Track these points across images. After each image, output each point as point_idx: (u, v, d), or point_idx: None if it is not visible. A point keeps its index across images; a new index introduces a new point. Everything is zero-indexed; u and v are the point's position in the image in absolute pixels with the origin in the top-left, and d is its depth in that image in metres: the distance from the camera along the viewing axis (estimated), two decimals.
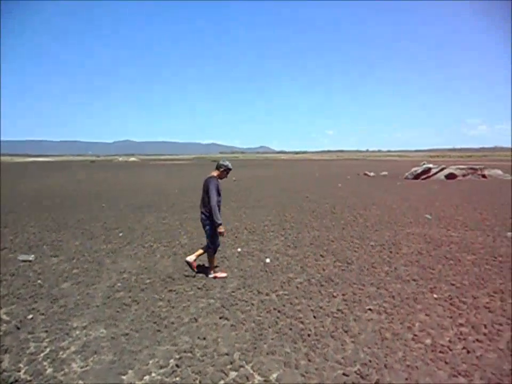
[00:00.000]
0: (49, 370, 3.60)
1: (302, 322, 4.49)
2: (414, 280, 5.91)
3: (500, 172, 28.86)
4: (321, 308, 4.90)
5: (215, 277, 6.17)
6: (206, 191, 5.99)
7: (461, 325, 4.39)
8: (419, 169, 28.61)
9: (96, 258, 7.37)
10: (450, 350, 3.83)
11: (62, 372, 3.57)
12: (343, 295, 5.32)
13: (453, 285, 5.67)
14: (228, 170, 6.22)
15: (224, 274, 6.27)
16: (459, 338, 4.08)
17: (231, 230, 9.84)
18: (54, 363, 3.72)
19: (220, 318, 4.68)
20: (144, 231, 9.84)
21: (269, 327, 4.39)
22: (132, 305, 5.11)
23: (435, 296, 5.25)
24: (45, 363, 3.73)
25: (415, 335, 4.14)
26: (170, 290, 5.62)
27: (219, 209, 5.96)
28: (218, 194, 5.98)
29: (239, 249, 7.88)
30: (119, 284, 5.94)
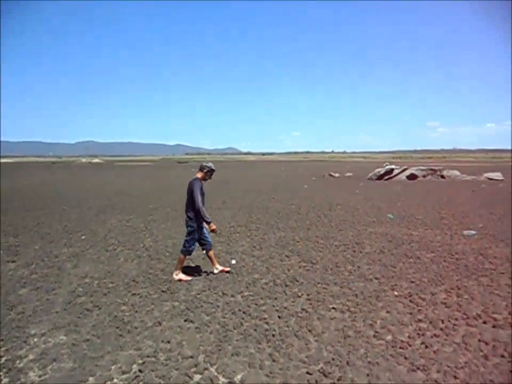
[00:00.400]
0: (5, 381, 3.45)
1: (266, 323, 4.52)
2: (376, 278, 6.06)
3: (457, 172, 30.03)
4: (285, 308, 4.94)
5: (179, 280, 6.11)
6: (190, 194, 6.05)
7: (420, 320, 4.54)
8: (382, 170, 29.36)
9: (57, 263, 7.14)
10: (410, 345, 3.95)
11: (19, 382, 3.43)
12: (308, 294, 5.39)
13: (413, 282, 5.86)
14: (211, 171, 6.31)
15: (188, 278, 6.22)
16: (418, 333, 4.21)
17: None
18: (10, 373, 3.57)
19: (185, 320, 4.64)
20: (108, 234, 9.62)
21: (234, 329, 4.39)
22: (94, 310, 4.98)
23: (396, 293, 5.41)
24: (0, 373, 3.57)
25: (377, 332, 4.25)
26: (134, 294, 5.53)
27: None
28: (203, 195, 6.08)
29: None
30: (80, 289, 5.78)
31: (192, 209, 6.07)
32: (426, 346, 3.92)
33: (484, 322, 4.46)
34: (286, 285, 5.79)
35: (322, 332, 4.27)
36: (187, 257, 6.40)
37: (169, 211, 13.43)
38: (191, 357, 3.80)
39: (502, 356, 3.71)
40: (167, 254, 7.71)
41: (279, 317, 4.67)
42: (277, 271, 6.51)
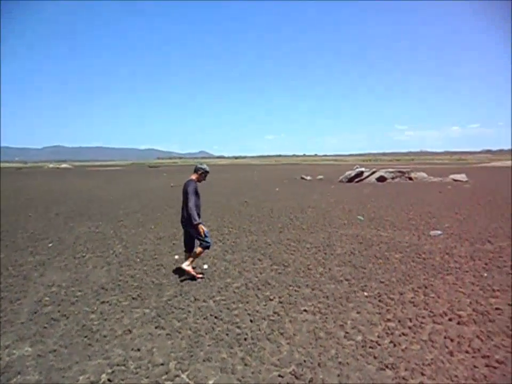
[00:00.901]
0: None
1: (238, 327, 4.51)
2: (347, 279, 6.15)
3: (424, 174, 30.87)
4: (257, 311, 4.95)
5: (193, 275, 6.28)
6: (185, 194, 6.19)
7: (389, 320, 4.64)
8: (352, 173, 29.85)
9: (22, 272, 6.91)
10: (379, 344, 4.03)
11: None
12: (280, 297, 5.42)
13: (382, 282, 5.98)
14: (205, 173, 6.43)
15: (199, 275, 6.38)
16: (387, 333, 4.30)
17: (169, 237, 9.69)
18: None
19: (156, 327, 4.58)
20: (76, 241, 9.39)
21: (206, 334, 4.37)
22: (61, 320, 4.85)
23: (366, 294, 5.50)
24: None
25: (347, 333, 4.31)
26: (103, 302, 5.41)
27: (199, 210, 6.27)
28: (197, 197, 6.24)
29: (176, 256, 7.76)
30: (47, 298, 5.61)
31: (186, 210, 6.18)
32: (394, 345, 4.00)
33: (449, 320, 4.60)
34: (258, 289, 5.80)
35: (294, 334, 4.30)
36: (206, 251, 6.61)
37: (140, 216, 13.22)
38: (162, 364, 3.75)
39: (467, 352, 3.83)
40: (138, 260, 7.59)
41: (251, 321, 4.68)
42: (249, 274, 6.52)
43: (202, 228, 6.16)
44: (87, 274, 6.72)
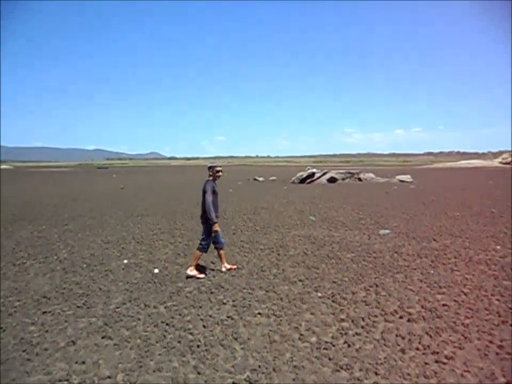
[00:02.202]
0: None
1: (191, 334, 4.35)
2: (300, 280, 6.15)
3: (372, 175, 31.91)
4: (210, 316, 4.81)
5: (192, 276, 6.37)
6: (203, 194, 6.38)
7: (342, 320, 4.65)
8: (304, 174, 30.32)
9: None
10: (333, 345, 4.02)
11: None
12: (233, 301, 5.30)
13: (335, 282, 6.02)
14: (217, 171, 6.55)
15: (201, 275, 6.46)
16: (341, 333, 4.31)
17: (117, 241, 9.27)
18: None
19: (102, 337, 4.32)
20: (16, 247, 8.78)
21: (156, 342, 4.17)
22: None
23: (319, 294, 5.51)
24: None
25: (302, 335, 4.27)
26: (45, 312, 5.04)
27: (217, 209, 6.42)
28: (215, 195, 6.41)
29: (125, 261, 7.44)
30: None
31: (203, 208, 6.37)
32: (348, 345, 4.01)
33: (400, 317, 4.69)
34: (211, 292, 5.66)
35: (248, 339, 4.20)
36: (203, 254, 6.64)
37: (87, 220, 12.63)
38: (109, 377, 3.52)
39: (417, 349, 3.90)
40: (84, 265, 7.20)
41: (204, 326, 4.53)
42: (202, 278, 6.36)
43: (217, 228, 6.35)
44: (28, 283, 6.28)
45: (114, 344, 4.14)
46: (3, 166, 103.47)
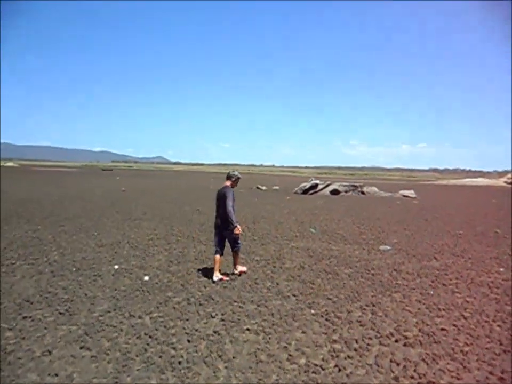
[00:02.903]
0: None
1: (174, 348, 4.12)
2: (294, 295, 5.92)
3: (376, 189, 31.65)
4: (197, 330, 4.58)
5: (239, 273, 6.93)
6: (222, 200, 6.63)
7: (335, 341, 4.41)
8: (307, 185, 30.12)
9: None
10: (323, 369, 3.79)
11: None
12: (222, 314, 5.08)
13: (330, 299, 5.79)
14: (237, 179, 6.98)
15: (245, 269, 7.13)
16: (332, 355, 4.07)
17: (111, 245, 9.08)
18: None
19: (81, 348, 4.10)
20: (8, 246, 8.58)
21: (136, 356, 3.95)
22: None
23: (312, 311, 5.28)
24: None
25: (290, 355, 4.04)
26: (25, 317, 4.83)
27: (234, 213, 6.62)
28: (234, 201, 6.70)
29: (116, 266, 7.23)
30: None
31: (224, 214, 6.57)
32: (339, 370, 3.77)
33: (396, 341, 4.45)
34: (200, 304, 5.43)
35: (233, 357, 3.97)
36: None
37: (84, 221, 12.45)
38: None
39: (412, 377, 3.66)
40: (73, 269, 7.00)
41: (188, 341, 4.30)
42: (192, 288, 6.13)
43: (239, 229, 6.61)
44: (12, 285, 6.08)
45: (92, 356, 3.93)
46: (9, 164, 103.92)
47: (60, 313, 5.01)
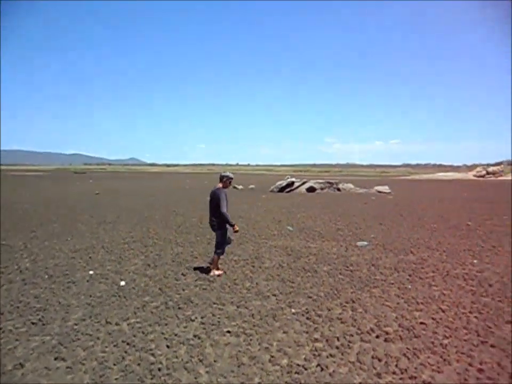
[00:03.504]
0: None
1: (153, 355, 4.01)
2: (274, 295, 5.88)
3: (351, 185, 32.03)
4: (176, 335, 4.48)
5: (218, 275, 6.83)
6: (215, 202, 6.72)
7: (316, 340, 4.39)
8: (283, 183, 30.20)
9: None
10: (305, 369, 3.75)
11: None
12: (202, 317, 4.99)
13: (310, 297, 5.77)
14: (229, 180, 6.99)
15: (221, 271, 7.01)
16: (314, 354, 4.04)
17: (86, 250, 8.83)
18: None
19: (55, 359, 3.94)
20: None
21: (114, 365, 3.82)
22: None
23: (293, 310, 5.25)
24: None
25: (272, 357, 3.99)
26: None
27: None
28: (227, 202, 6.77)
29: (91, 272, 7.03)
30: None
31: (218, 215, 6.69)
32: (322, 369, 3.75)
33: (377, 337, 4.46)
34: (179, 308, 5.32)
35: (214, 361, 3.89)
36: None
37: (57, 226, 12.09)
38: None
39: (394, 373, 3.67)
40: (46, 277, 6.76)
41: (167, 346, 4.20)
42: (170, 292, 6.01)
43: (237, 228, 6.74)
44: None
45: (67, 367, 3.78)
46: None
47: (32, 323, 4.81)
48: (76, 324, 4.79)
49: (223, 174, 6.99)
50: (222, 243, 6.91)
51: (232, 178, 7.04)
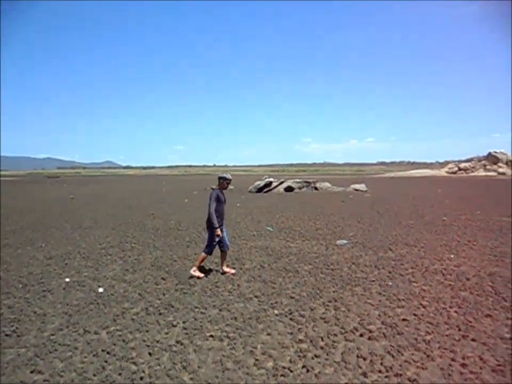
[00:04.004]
0: None
1: (134, 363, 3.89)
2: (256, 296, 5.82)
3: (328, 184, 32.30)
4: (158, 341, 4.36)
5: (194, 276, 6.75)
6: (209, 201, 6.86)
7: (301, 341, 4.35)
8: (261, 183, 30.22)
9: None
10: (291, 371, 3.70)
11: None
12: (184, 322, 4.88)
13: (292, 297, 5.74)
14: (226, 181, 6.98)
15: (201, 275, 6.84)
16: (299, 356, 4.00)
17: (61, 256, 8.57)
18: None
19: (31, 372, 3.78)
20: None
21: (94, 375, 3.68)
22: None
23: (276, 312, 5.20)
24: None
25: (257, 360, 3.93)
26: None
27: (222, 216, 7.01)
28: (220, 202, 6.89)
29: (67, 279, 6.81)
30: None
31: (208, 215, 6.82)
32: (307, 370, 3.70)
33: (361, 335, 4.46)
34: (160, 313, 5.20)
35: (198, 367, 3.80)
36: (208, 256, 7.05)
37: (30, 233, 11.73)
38: None
39: (379, 371, 3.66)
40: (20, 286, 6.51)
41: (149, 354, 4.08)
42: (150, 297, 5.87)
43: (219, 233, 6.76)
44: None
45: (45, 380, 3.62)
46: None
47: (6, 335, 4.61)
48: (52, 334, 4.61)
49: (220, 175, 7.05)
50: (210, 243, 6.89)
51: (228, 179, 7.01)
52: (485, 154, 79.11)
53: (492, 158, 75.83)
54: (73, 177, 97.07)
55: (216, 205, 6.83)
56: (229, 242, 7.30)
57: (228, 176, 7.04)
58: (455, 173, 75.86)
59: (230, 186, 34.57)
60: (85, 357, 4.04)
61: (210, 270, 7.30)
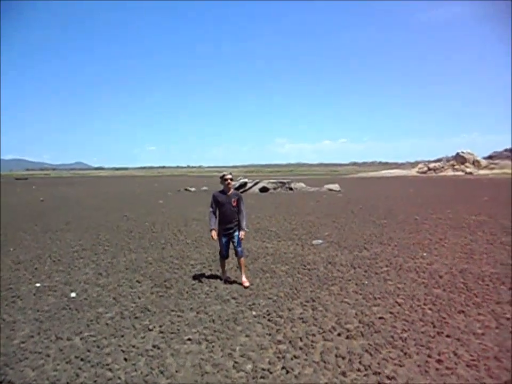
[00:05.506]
0: None
1: (110, 370, 3.78)
2: (234, 298, 5.78)
3: (303, 184, 32.56)
4: (134, 346, 4.26)
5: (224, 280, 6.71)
6: None
7: (279, 341, 4.33)
8: (236, 184, 30.13)
9: None
10: (271, 372, 3.68)
11: None
12: (160, 326, 4.79)
13: (270, 298, 5.73)
14: (225, 180, 6.60)
15: (224, 277, 6.78)
16: (278, 357, 3.98)
17: (31, 261, 8.29)
18: None
19: (1, 382, 3.62)
20: None
21: None
22: None
23: (254, 313, 5.17)
24: None
25: (236, 362, 3.88)
26: None
27: (229, 220, 6.59)
28: (218, 205, 6.55)
29: (37, 284, 6.59)
30: None
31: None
32: (287, 371, 3.69)
33: (339, 335, 4.48)
34: (136, 317, 5.08)
35: (176, 372, 3.73)
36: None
37: None
38: None
39: (358, 370, 3.68)
40: None
41: (125, 360, 3.98)
42: (125, 301, 5.74)
43: (213, 234, 6.51)
44: None
45: None
46: None
47: None
48: (23, 342, 4.44)
49: (220, 175, 6.80)
50: (220, 246, 6.76)
51: (226, 177, 6.58)
52: (453, 154, 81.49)
53: (460, 158, 78.26)
54: (43, 178, 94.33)
55: (215, 207, 6.55)
56: (241, 248, 6.65)
57: (226, 174, 6.65)
58: (425, 172, 77.89)
59: (205, 187, 34.15)
60: (58, 365, 3.90)
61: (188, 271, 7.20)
